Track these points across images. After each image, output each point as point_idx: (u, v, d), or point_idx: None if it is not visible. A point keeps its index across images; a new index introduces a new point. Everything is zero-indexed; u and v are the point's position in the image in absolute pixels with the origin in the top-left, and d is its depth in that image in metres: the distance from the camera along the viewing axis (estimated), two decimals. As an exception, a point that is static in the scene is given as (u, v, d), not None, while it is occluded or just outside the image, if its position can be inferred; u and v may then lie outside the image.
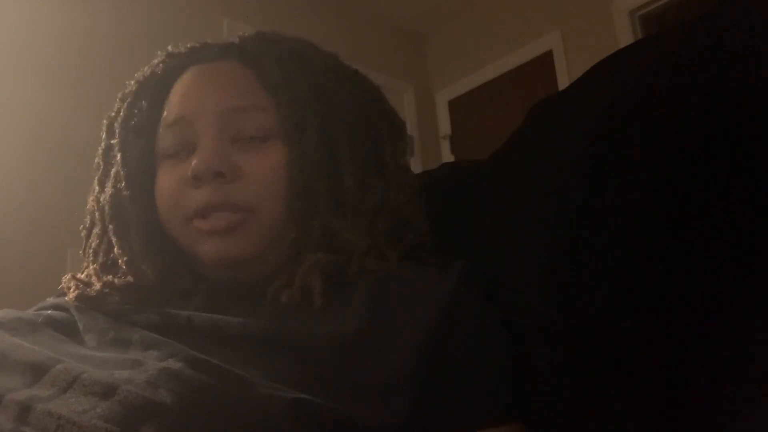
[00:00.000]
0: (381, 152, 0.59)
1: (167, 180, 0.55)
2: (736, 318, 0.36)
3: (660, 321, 0.39)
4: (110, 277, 0.55)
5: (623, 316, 0.41)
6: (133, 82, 0.61)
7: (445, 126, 3.88)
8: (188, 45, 0.62)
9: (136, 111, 0.59)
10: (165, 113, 0.57)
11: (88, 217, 0.61)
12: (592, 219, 0.45)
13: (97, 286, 0.53)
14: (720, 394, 0.36)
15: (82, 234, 0.61)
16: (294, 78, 0.56)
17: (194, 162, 0.52)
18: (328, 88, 0.58)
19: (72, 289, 0.54)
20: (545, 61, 3.34)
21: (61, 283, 0.57)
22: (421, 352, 0.45)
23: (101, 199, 0.58)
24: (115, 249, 0.56)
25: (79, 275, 0.56)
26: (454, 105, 3.86)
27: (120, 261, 0.55)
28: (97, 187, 0.60)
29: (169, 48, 0.62)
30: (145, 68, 0.62)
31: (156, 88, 0.59)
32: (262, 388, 0.39)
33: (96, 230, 0.59)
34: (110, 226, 0.56)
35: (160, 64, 0.61)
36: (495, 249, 0.56)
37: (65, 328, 0.50)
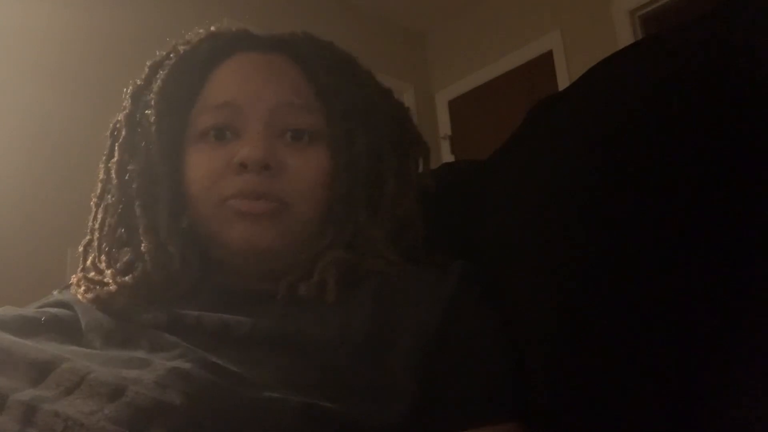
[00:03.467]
0: (408, 167, 0.61)
1: (206, 160, 0.54)
2: (737, 319, 0.36)
3: (659, 322, 0.39)
4: (121, 277, 0.52)
5: (623, 316, 0.41)
6: (171, 54, 0.59)
7: (445, 126, 3.87)
8: (233, 28, 0.61)
9: (175, 85, 0.57)
10: (210, 93, 0.56)
11: (100, 185, 0.57)
12: (591, 220, 0.45)
13: (110, 287, 0.51)
14: (720, 395, 0.36)
15: (92, 203, 0.58)
16: (345, 86, 0.57)
17: (244, 150, 0.52)
18: (372, 100, 0.60)
19: (83, 290, 0.52)
20: (545, 61, 3.33)
21: (61, 283, 0.56)
22: (423, 353, 0.45)
23: (129, 169, 0.55)
24: (140, 227, 0.53)
25: (89, 275, 0.54)
26: (454, 105, 3.86)
27: (143, 243, 0.52)
28: (117, 155, 0.56)
29: (212, 28, 0.61)
30: (181, 42, 0.60)
31: (198, 66, 0.57)
32: (271, 389, 0.40)
33: (111, 199, 0.56)
34: (137, 201, 0.54)
35: (203, 43, 0.59)
36: (494, 249, 0.56)
37: (68, 326, 0.50)
